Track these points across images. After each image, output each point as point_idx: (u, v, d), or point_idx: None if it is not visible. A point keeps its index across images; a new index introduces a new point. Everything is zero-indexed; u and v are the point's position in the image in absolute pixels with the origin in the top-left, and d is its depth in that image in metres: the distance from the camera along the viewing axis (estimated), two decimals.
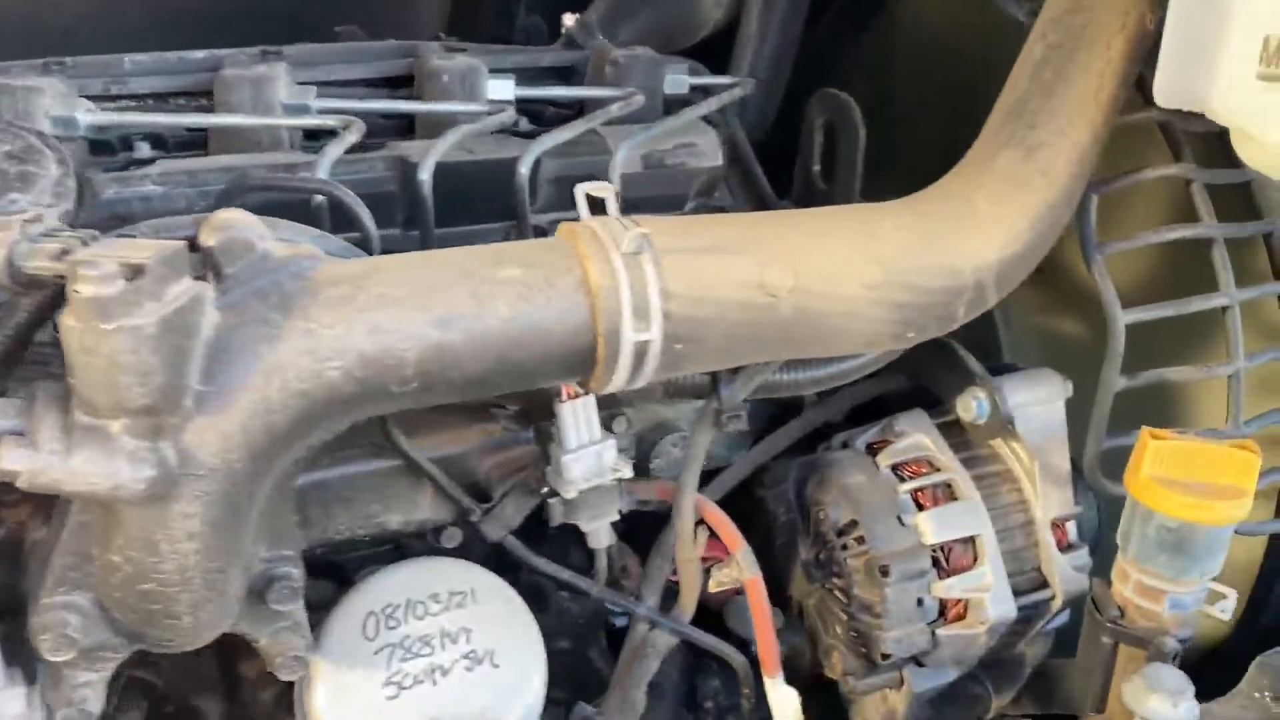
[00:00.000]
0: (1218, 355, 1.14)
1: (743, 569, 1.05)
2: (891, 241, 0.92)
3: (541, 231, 1.17)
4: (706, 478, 1.21)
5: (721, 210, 1.26)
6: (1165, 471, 0.99)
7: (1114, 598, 1.04)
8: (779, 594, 1.22)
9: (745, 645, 1.20)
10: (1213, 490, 0.98)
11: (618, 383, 0.86)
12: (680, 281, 0.85)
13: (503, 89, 1.22)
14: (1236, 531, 1.16)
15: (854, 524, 1.10)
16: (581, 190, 0.88)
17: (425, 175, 1.02)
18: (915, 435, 1.15)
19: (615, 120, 1.21)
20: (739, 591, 1.10)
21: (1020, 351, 1.43)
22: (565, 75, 1.36)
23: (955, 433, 1.16)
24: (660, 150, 1.20)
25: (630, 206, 1.19)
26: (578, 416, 0.95)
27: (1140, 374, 1.08)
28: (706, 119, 1.37)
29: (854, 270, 0.90)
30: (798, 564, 1.18)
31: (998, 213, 0.95)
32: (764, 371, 1.02)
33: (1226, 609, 1.01)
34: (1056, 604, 1.13)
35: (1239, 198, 1.14)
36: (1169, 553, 0.98)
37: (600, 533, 1.01)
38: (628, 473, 0.97)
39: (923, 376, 1.20)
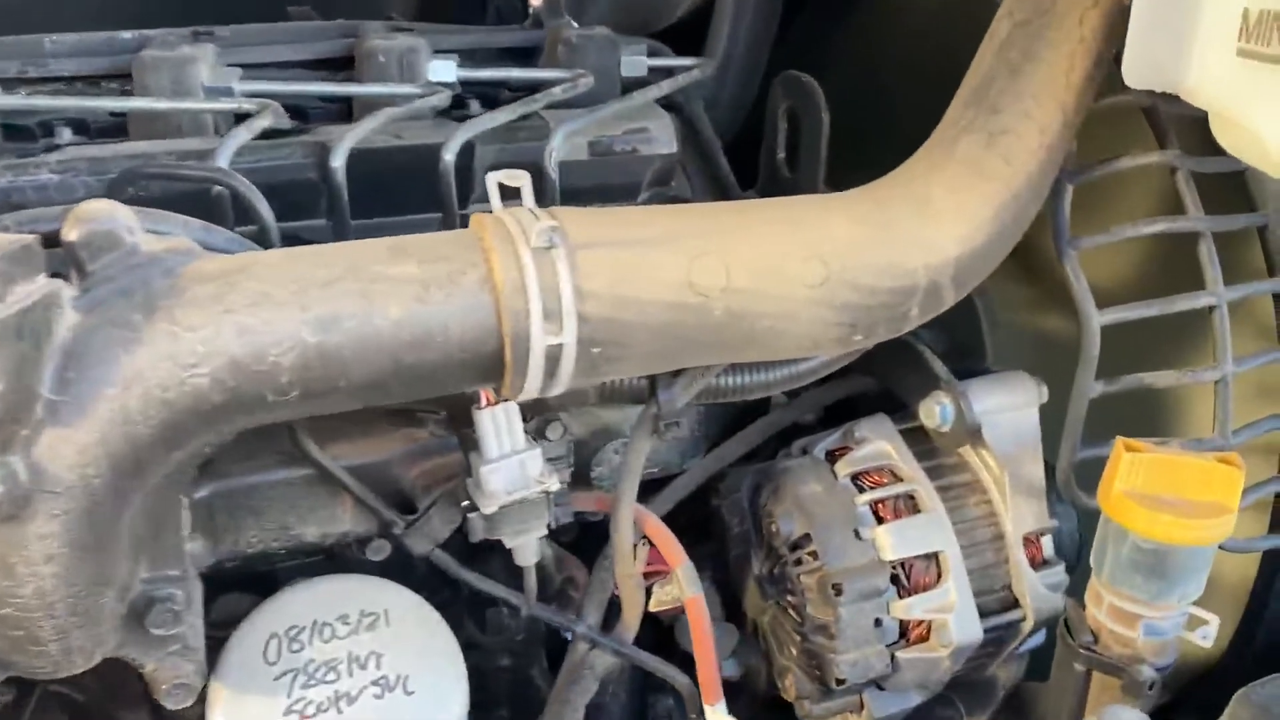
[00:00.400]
0: (1206, 359, 1.05)
1: (683, 587, 0.97)
2: (836, 236, 0.84)
3: None
4: (658, 486, 1.15)
5: (679, 201, 1.18)
6: (1140, 486, 0.91)
7: (1087, 621, 0.96)
8: (736, 610, 1.15)
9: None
10: (1192, 507, 0.89)
11: (530, 389, 0.79)
12: (598, 280, 0.77)
13: (444, 70, 1.14)
14: (1226, 548, 1.09)
15: (807, 538, 1.02)
16: (493, 179, 0.81)
17: (338, 161, 0.94)
18: (876, 442, 1.08)
19: (563, 104, 1.13)
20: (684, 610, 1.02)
21: (1007, 354, 1.34)
22: (525, 56, 1.29)
23: (921, 440, 1.08)
24: (609, 136, 1.12)
25: (576, 196, 1.13)
26: (498, 424, 0.88)
27: (1118, 379, 0.99)
28: (669, 103, 1.29)
29: (793, 268, 0.82)
30: (751, 579, 1.10)
31: (955, 204, 0.87)
32: (707, 375, 0.94)
33: (1208, 635, 0.93)
34: (1028, 625, 1.05)
35: (1231, 188, 1.06)
36: (1144, 574, 0.90)
37: (526, 549, 0.93)
38: (555, 485, 0.90)
39: (886, 379, 1.13)
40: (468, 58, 1.22)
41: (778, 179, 1.22)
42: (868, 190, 0.89)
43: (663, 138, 1.15)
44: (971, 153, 0.89)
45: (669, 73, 1.24)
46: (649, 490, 1.14)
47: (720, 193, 1.26)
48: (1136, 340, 1.14)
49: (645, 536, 1.00)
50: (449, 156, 0.97)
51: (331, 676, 0.87)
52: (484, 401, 0.87)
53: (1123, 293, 1.00)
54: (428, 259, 0.75)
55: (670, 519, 1.10)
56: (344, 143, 0.95)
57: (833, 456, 1.10)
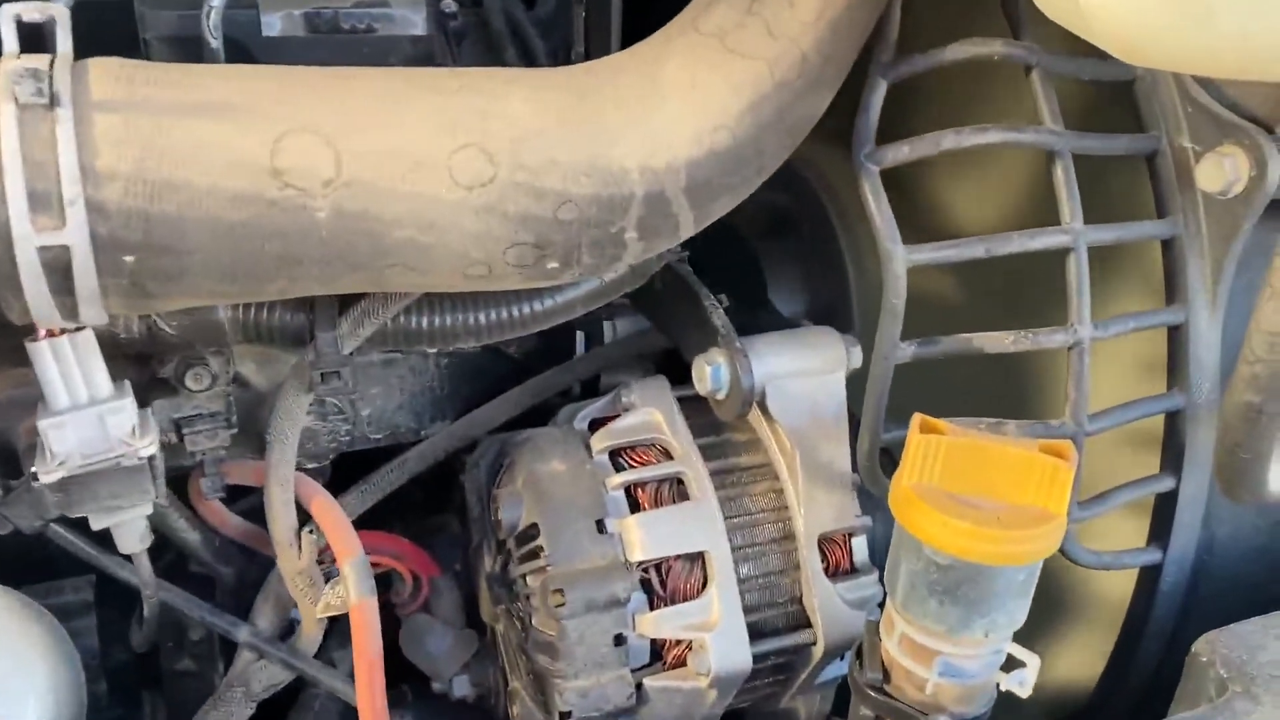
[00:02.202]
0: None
1: (350, 588, 0.74)
2: (513, 120, 0.61)
3: None
4: (388, 454, 0.92)
5: None
6: (939, 481, 0.68)
7: (880, 654, 0.74)
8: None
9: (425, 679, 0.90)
10: (1006, 513, 0.67)
11: (43, 312, 0.56)
12: (124, 155, 0.54)
13: None
14: (1092, 565, 0.86)
15: (535, 529, 0.79)
16: (9, 11, 0.57)
17: None
18: (645, 410, 0.84)
19: None
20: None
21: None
22: None
23: (705, 410, 0.85)
24: (332, 8, 0.88)
25: None
26: (63, 362, 0.65)
27: (936, 340, 0.76)
28: None
29: (439, 158, 0.59)
30: (483, 576, 0.87)
31: (693, 88, 0.64)
32: (383, 311, 0.71)
33: (1025, 682, 0.70)
34: (819, 650, 0.82)
35: (1121, 103, 0.82)
36: (940, 598, 0.68)
37: (128, 533, 0.71)
38: (150, 449, 0.67)
39: (669, 332, 0.89)
40: None
41: None
42: (577, 67, 0.66)
43: (408, 15, 0.90)
44: (725, 21, 0.65)
45: None
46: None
47: None
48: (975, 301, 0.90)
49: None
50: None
51: None
52: (40, 333, 0.64)
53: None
54: None
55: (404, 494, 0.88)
56: None
57: (599, 426, 0.87)
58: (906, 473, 0.68)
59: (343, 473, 0.93)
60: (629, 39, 0.81)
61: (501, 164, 0.60)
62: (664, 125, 0.63)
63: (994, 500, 0.68)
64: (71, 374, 0.65)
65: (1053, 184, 0.76)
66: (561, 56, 1.03)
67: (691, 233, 0.68)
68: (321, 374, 0.71)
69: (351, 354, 0.72)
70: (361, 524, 0.87)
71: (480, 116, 0.60)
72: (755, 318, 0.94)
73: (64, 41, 0.58)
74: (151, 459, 0.68)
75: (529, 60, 1.10)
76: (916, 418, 0.70)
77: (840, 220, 1.21)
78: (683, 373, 0.86)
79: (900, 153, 0.72)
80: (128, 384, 0.68)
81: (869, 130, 0.73)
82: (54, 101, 0.53)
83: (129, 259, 0.55)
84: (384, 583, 0.91)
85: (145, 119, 0.55)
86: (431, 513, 1.04)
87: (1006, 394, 0.96)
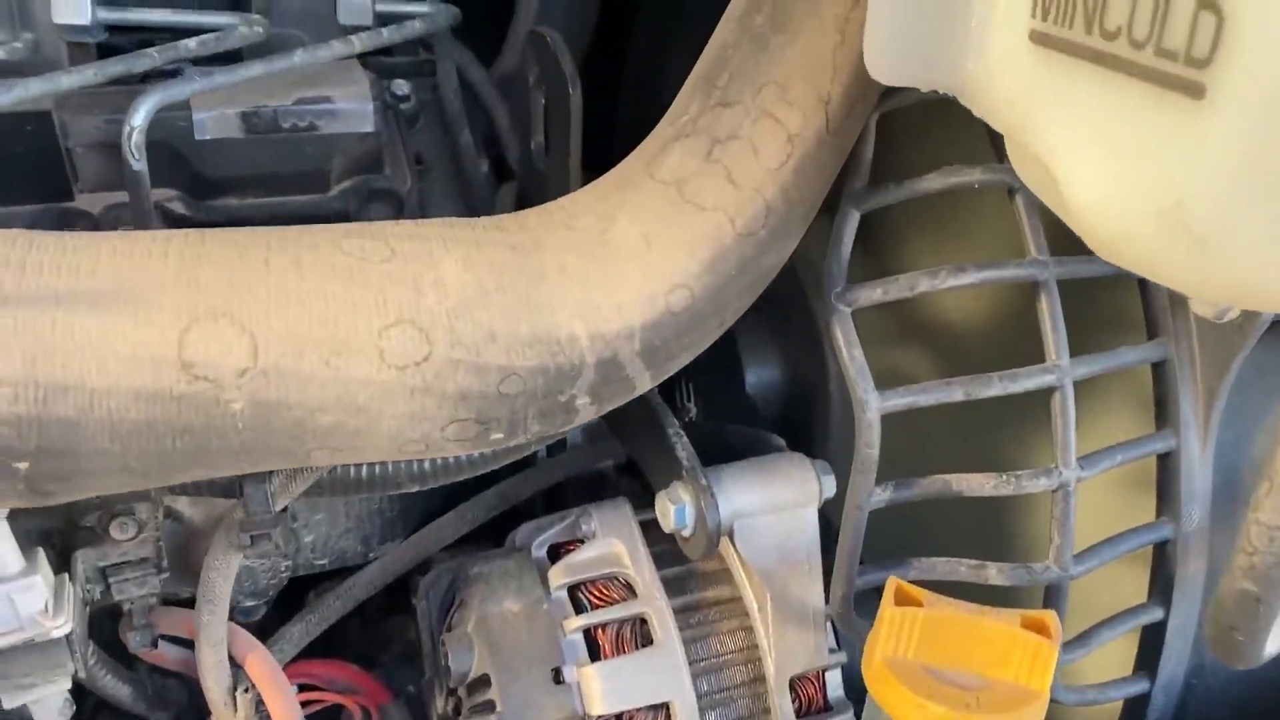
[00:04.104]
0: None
1: None
2: (446, 290, 0.55)
3: (91, 219, 0.81)
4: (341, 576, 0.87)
5: (392, 196, 0.89)
6: (914, 653, 0.64)
7: None
8: None
9: None
10: (984, 691, 0.62)
11: None
12: (14, 357, 0.49)
13: (72, 9, 0.84)
14: (1072, 703, 0.82)
15: (486, 680, 0.74)
16: None
17: None
18: (606, 541, 0.79)
19: (226, 59, 0.84)
20: None
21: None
22: None
23: (670, 537, 0.80)
24: (270, 106, 0.83)
25: (234, 187, 0.85)
26: None
27: (912, 482, 0.71)
28: (419, 66, 1.00)
29: (368, 339, 0.54)
30: (435, 715, 0.83)
31: (648, 245, 0.59)
32: (314, 470, 0.66)
33: None
34: None
35: None
36: None
37: (46, 710, 0.66)
38: (64, 628, 0.61)
39: (632, 452, 0.84)
40: None
41: (532, 171, 0.93)
42: (518, 218, 0.60)
43: (354, 110, 0.85)
44: (683, 168, 0.60)
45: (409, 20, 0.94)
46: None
47: (465, 187, 0.97)
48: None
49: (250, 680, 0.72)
50: None
51: None
52: None
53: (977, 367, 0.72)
54: None
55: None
56: None
57: (558, 554, 0.82)
58: (881, 646, 0.63)
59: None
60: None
61: (437, 340, 0.55)
62: (616, 288, 0.58)
63: (974, 675, 0.63)
64: None
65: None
66: (520, 135, 0.98)
67: (649, 388, 0.63)
68: (252, 536, 0.66)
69: (284, 510, 0.67)
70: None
71: (413, 288, 0.55)
72: (723, 432, 0.89)
73: None
74: (70, 637, 0.63)
75: (491, 138, 1.05)
76: (891, 584, 0.65)
77: (814, 288, 1.17)
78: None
79: (873, 294, 0.67)
80: (41, 555, 0.63)
81: (841, 268, 0.68)
82: None
83: (22, 466, 0.50)
84: (334, 713, 0.87)
85: (35, 313, 0.49)
86: (388, 612, 1.00)
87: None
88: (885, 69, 0.50)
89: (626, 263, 0.58)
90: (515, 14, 1.19)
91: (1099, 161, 0.42)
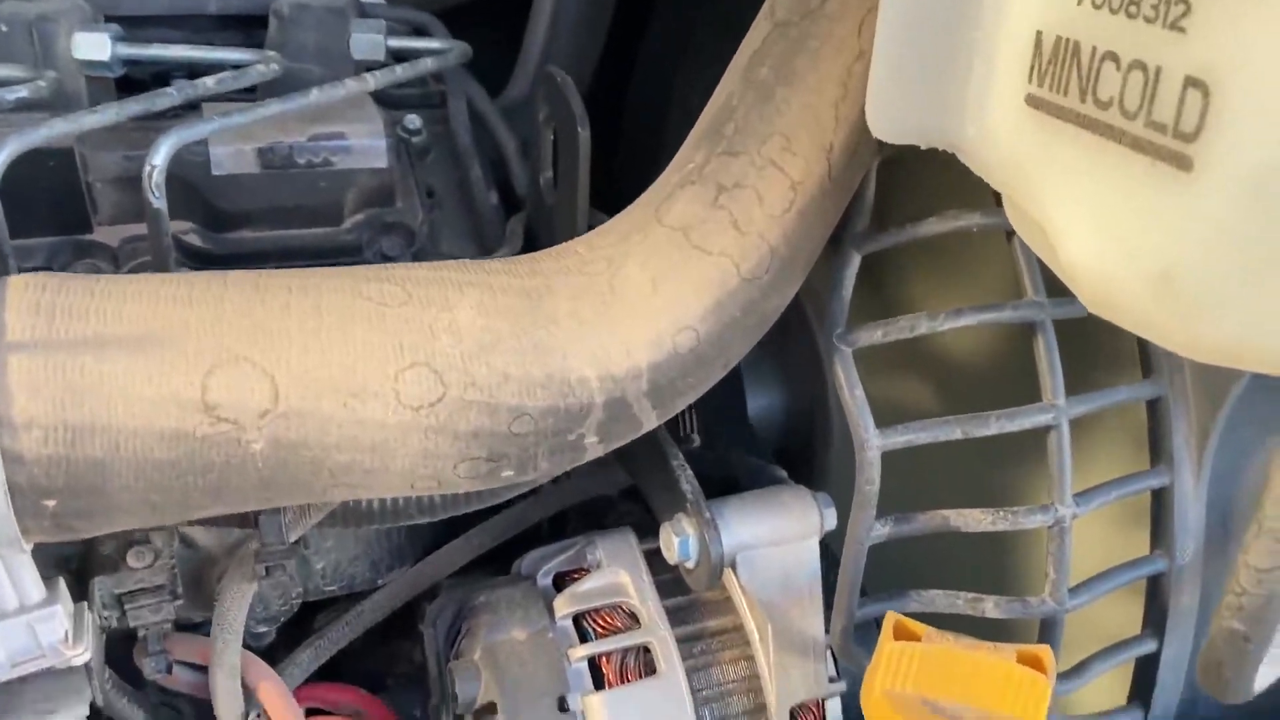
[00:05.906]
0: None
1: None
2: (460, 334, 0.57)
3: (109, 251, 0.83)
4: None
5: (404, 229, 0.90)
6: (912, 687, 0.65)
7: None
8: None
9: None
10: None
11: None
12: (43, 401, 0.50)
13: (93, 46, 0.86)
14: None
15: (492, 708, 0.76)
16: None
17: None
18: (612, 570, 0.81)
19: (242, 95, 0.86)
20: None
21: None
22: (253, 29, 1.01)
23: (671, 566, 0.82)
24: (285, 142, 0.85)
25: (248, 220, 0.86)
26: None
27: (911, 517, 0.73)
28: (427, 99, 1.02)
29: (384, 381, 0.56)
30: None
31: (655, 289, 0.61)
32: (325, 504, 0.68)
33: None
34: None
35: None
36: None
37: None
38: (83, 656, 0.63)
39: (638, 481, 0.86)
40: (176, 26, 0.96)
41: (541, 206, 0.95)
42: (530, 261, 0.62)
43: (367, 146, 0.87)
44: (690, 215, 0.62)
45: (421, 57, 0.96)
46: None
47: (476, 220, 0.98)
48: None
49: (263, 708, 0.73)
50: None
51: None
52: None
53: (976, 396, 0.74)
54: None
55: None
56: None
57: (562, 581, 0.84)
58: (880, 679, 0.65)
59: None
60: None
61: (451, 382, 0.56)
62: (625, 331, 0.60)
63: (971, 708, 0.65)
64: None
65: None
66: (528, 165, 1.00)
67: (654, 426, 0.65)
68: (267, 567, 0.67)
69: (297, 542, 0.69)
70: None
71: (427, 333, 0.57)
72: (726, 462, 0.91)
73: None
74: (88, 663, 0.65)
75: (500, 168, 1.07)
76: (890, 619, 0.67)
77: (816, 315, 1.19)
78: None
79: (874, 335, 0.69)
80: (61, 584, 0.65)
81: (842, 309, 0.70)
82: None
83: (50, 503, 0.52)
84: None
85: (65, 358, 0.51)
86: (393, 635, 1.01)
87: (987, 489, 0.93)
88: (887, 128, 0.52)
89: (635, 306, 0.60)
90: (523, 45, 1.21)
91: (1091, 224, 0.44)
